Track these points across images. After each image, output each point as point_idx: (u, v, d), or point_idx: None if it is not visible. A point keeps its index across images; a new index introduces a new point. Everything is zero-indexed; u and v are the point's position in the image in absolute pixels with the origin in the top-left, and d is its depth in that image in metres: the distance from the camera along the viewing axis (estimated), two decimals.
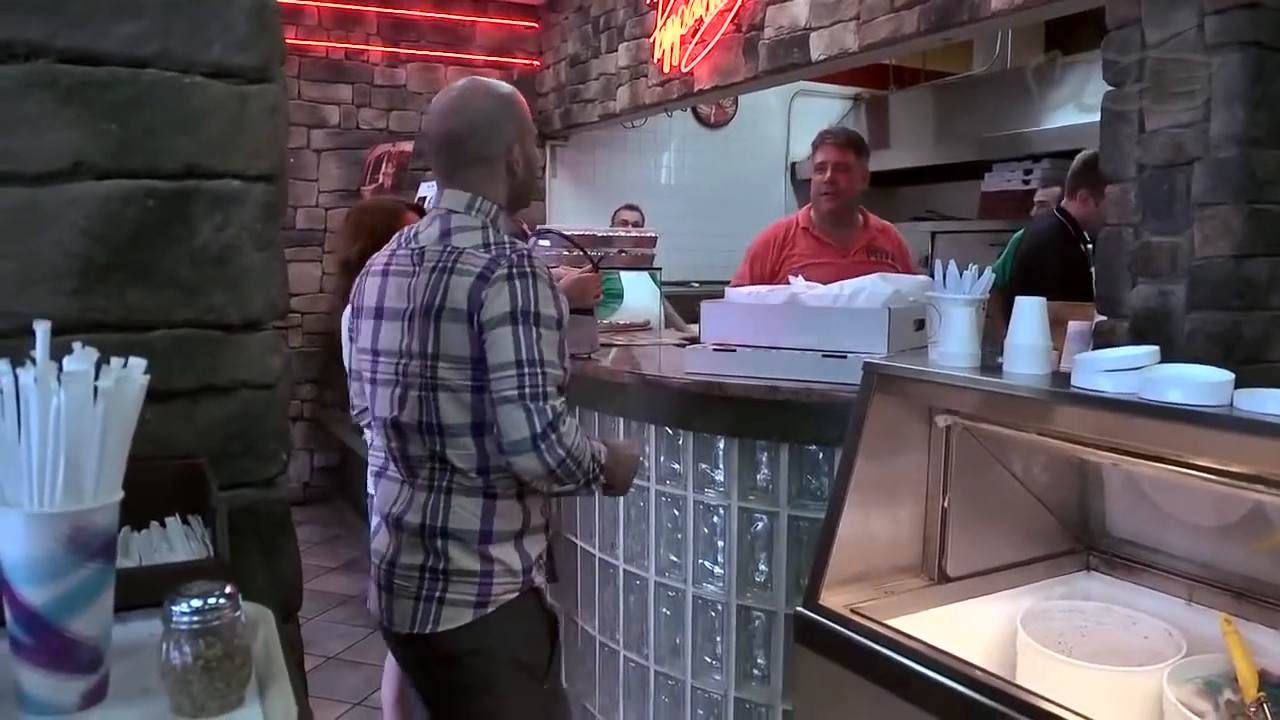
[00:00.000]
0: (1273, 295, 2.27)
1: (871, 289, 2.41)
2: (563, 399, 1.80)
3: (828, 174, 3.44)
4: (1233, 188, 2.21)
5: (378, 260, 1.96)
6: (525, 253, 1.80)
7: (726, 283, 4.88)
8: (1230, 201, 2.22)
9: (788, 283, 3.16)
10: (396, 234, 1.99)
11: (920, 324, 2.28)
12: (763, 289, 2.67)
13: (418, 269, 1.83)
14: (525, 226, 6.05)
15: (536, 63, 6.88)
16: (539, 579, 1.92)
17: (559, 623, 1.99)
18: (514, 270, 1.77)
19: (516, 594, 1.85)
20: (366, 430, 2.09)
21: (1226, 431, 1.41)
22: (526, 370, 1.73)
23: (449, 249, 1.82)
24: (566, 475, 1.78)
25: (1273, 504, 1.54)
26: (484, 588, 1.83)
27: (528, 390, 1.73)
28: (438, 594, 1.82)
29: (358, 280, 2.01)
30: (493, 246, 1.81)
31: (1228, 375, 1.46)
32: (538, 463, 1.74)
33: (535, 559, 1.90)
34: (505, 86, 1.97)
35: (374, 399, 1.91)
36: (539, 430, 1.73)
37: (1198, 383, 1.45)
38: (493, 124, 1.90)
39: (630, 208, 5.95)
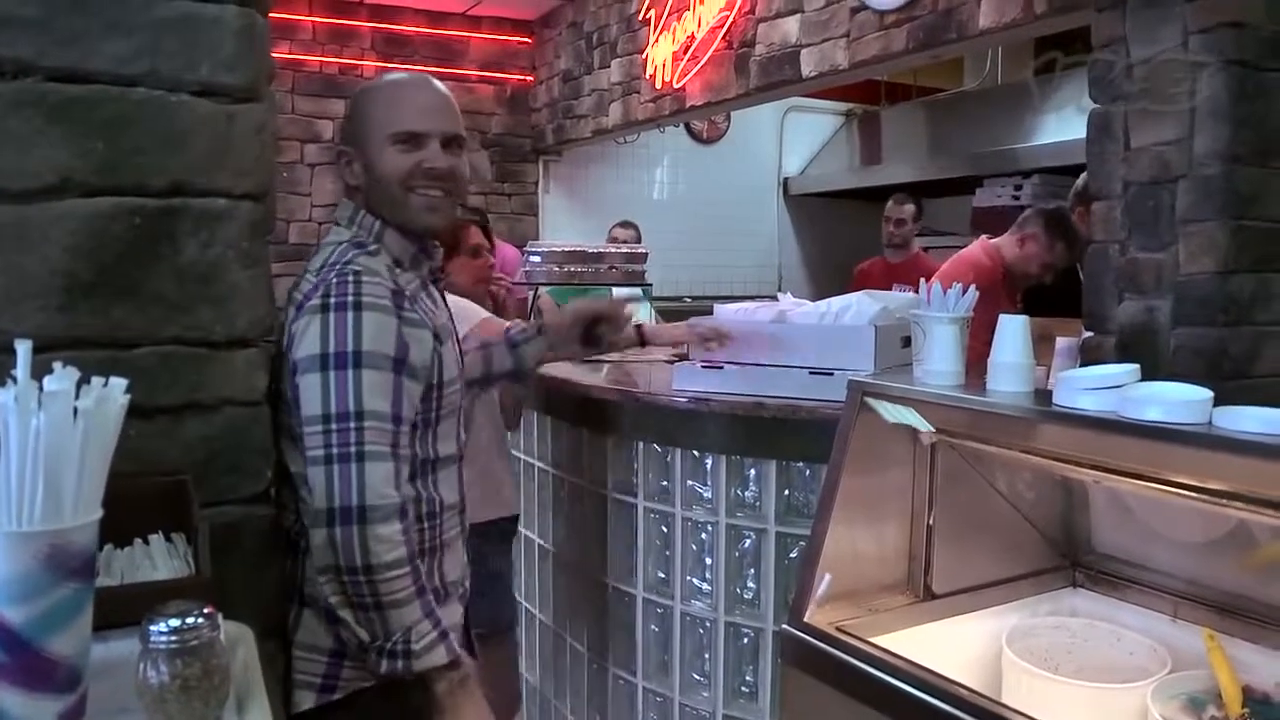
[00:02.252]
0: (1257, 311, 2.29)
1: (859, 306, 2.42)
2: (395, 469, 1.43)
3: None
4: (1217, 204, 2.23)
5: None
6: (352, 274, 1.47)
7: (719, 298, 4.92)
8: (1215, 218, 2.24)
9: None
10: None
11: (907, 340, 2.29)
12: (751, 305, 2.68)
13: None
14: (510, 246, 6.03)
15: (530, 78, 6.90)
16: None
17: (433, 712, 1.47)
18: (330, 299, 1.44)
19: (374, 682, 1.48)
20: None
21: (1204, 449, 1.42)
22: (336, 426, 1.40)
23: (303, 271, 1.57)
24: (355, 593, 1.38)
25: (1254, 520, 1.55)
26: (331, 668, 1.51)
27: (336, 450, 1.39)
28: (282, 669, 1.52)
29: None
30: (325, 268, 1.51)
31: (1206, 393, 1.47)
32: (326, 548, 1.38)
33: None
34: (379, 81, 1.70)
35: None
36: (341, 504, 1.38)
37: (1176, 401, 1.46)
38: (340, 123, 1.67)
39: (625, 225, 5.96)
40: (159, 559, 1.22)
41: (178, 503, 1.29)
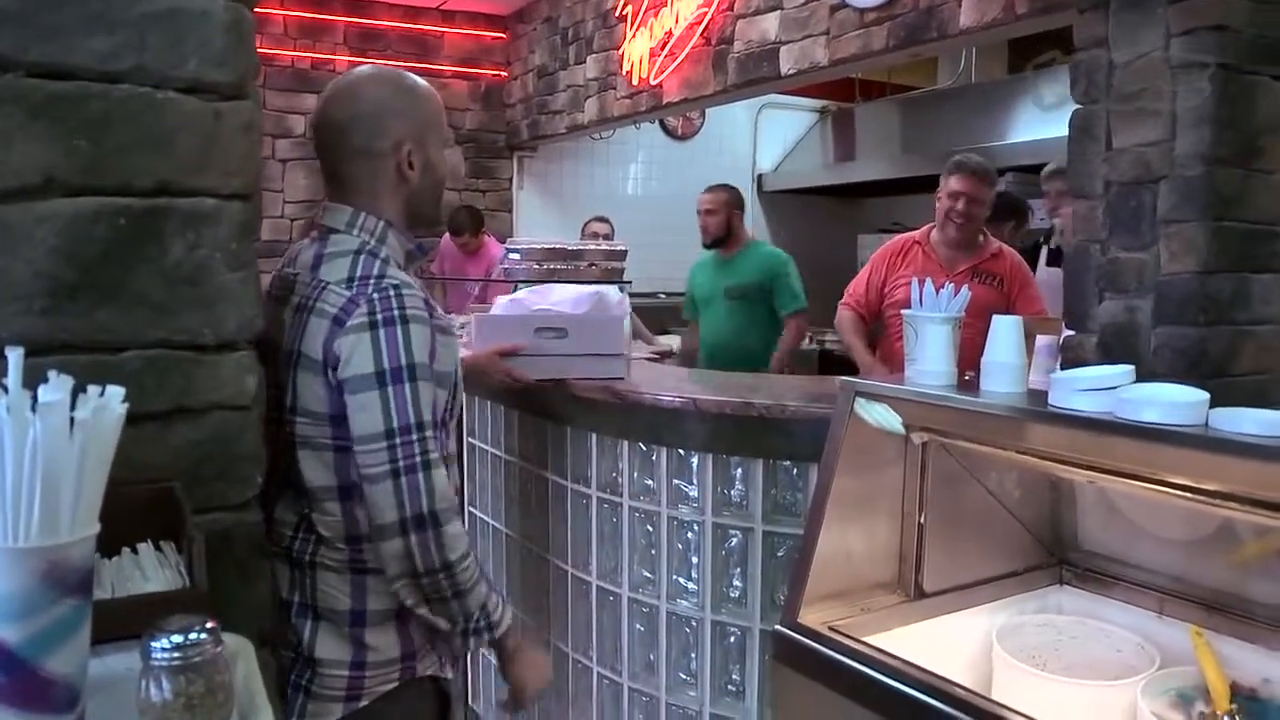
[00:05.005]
0: (1236, 311, 2.31)
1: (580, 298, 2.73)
2: (448, 480, 1.50)
3: (960, 204, 3.54)
4: (1198, 205, 2.25)
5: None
6: (392, 289, 1.48)
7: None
8: (1196, 219, 2.25)
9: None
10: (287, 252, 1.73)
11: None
12: (527, 296, 2.89)
13: (285, 303, 1.56)
14: (491, 237, 6.00)
15: (504, 74, 6.86)
16: (427, 665, 1.60)
17: (451, 702, 1.71)
18: (377, 315, 1.46)
19: (396, 684, 1.57)
20: None
21: (1201, 451, 1.43)
22: (400, 440, 1.43)
23: (315, 282, 1.54)
24: (434, 590, 1.47)
25: (1241, 518, 1.56)
26: (355, 680, 1.54)
27: (402, 463, 1.43)
28: (304, 683, 1.54)
29: None
30: (356, 282, 1.50)
31: (1203, 395, 1.48)
32: (402, 558, 1.44)
33: (426, 642, 1.59)
34: (413, 79, 1.67)
35: None
36: (413, 513, 1.43)
37: (1173, 402, 1.47)
38: (381, 113, 1.59)
39: (600, 220, 5.96)
40: (149, 569, 1.19)
41: (166, 510, 1.26)
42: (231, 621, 1.08)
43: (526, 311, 2.78)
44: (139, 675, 0.85)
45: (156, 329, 1.35)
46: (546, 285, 2.99)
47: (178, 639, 0.84)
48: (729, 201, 4.57)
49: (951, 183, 3.57)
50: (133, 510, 1.23)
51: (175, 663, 0.84)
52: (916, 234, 3.74)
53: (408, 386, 1.44)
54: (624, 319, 2.80)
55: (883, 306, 3.70)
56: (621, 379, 2.66)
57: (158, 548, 1.24)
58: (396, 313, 1.46)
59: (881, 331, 3.79)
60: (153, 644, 0.84)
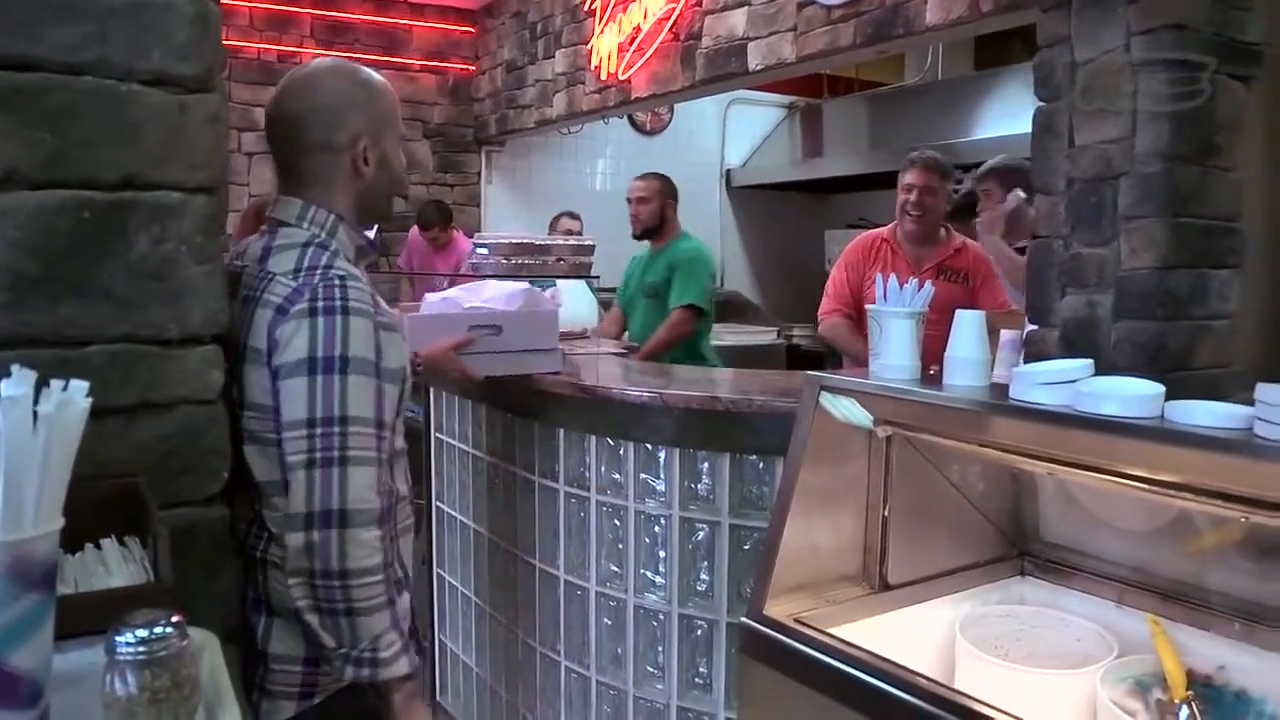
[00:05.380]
0: (1195, 306, 2.34)
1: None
2: (377, 474, 1.43)
3: (914, 196, 3.55)
4: (1158, 202, 2.28)
5: None
6: (338, 280, 1.46)
7: None
8: (1155, 215, 2.28)
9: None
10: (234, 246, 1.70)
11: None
12: (460, 294, 2.90)
13: (233, 297, 1.53)
14: (447, 238, 5.94)
15: (473, 68, 6.84)
16: None
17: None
18: (318, 303, 1.43)
19: (349, 681, 1.49)
20: None
21: (1157, 443, 1.46)
22: (320, 430, 1.38)
23: (263, 274, 1.51)
24: (327, 599, 1.38)
25: (1197, 509, 1.59)
26: (308, 676, 1.51)
27: (319, 454, 1.38)
28: (257, 680, 1.51)
29: None
30: (303, 272, 1.47)
31: (1159, 388, 1.51)
32: (302, 553, 1.37)
33: None
34: (369, 73, 1.65)
35: None
36: (321, 508, 1.37)
37: (1130, 396, 1.50)
38: (339, 106, 1.57)
39: (571, 216, 5.95)
40: (113, 564, 1.18)
41: (131, 505, 1.26)
42: (197, 616, 1.07)
43: (459, 310, 2.76)
44: (104, 670, 0.85)
45: (121, 323, 1.34)
46: (480, 282, 2.98)
47: (143, 633, 0.84)
48: (662, 190, 4.26)
49: (906, 176, 3.59)
50: (97, 505, 1.23)
51: (140, 657, 0.84)
52: (883, 231, 3.74)
53: (338, 378, 1.40)
54: (557, 313, 2.84)
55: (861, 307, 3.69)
56: (558, 373, 2.71)
57: (122, 543, 1.24)
58: (338, 303, 1.43)
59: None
60: (117, 638, 0.84)
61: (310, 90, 1.59)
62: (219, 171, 1.42)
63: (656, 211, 4.23)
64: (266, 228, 1.61)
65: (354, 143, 1.59)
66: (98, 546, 1.22)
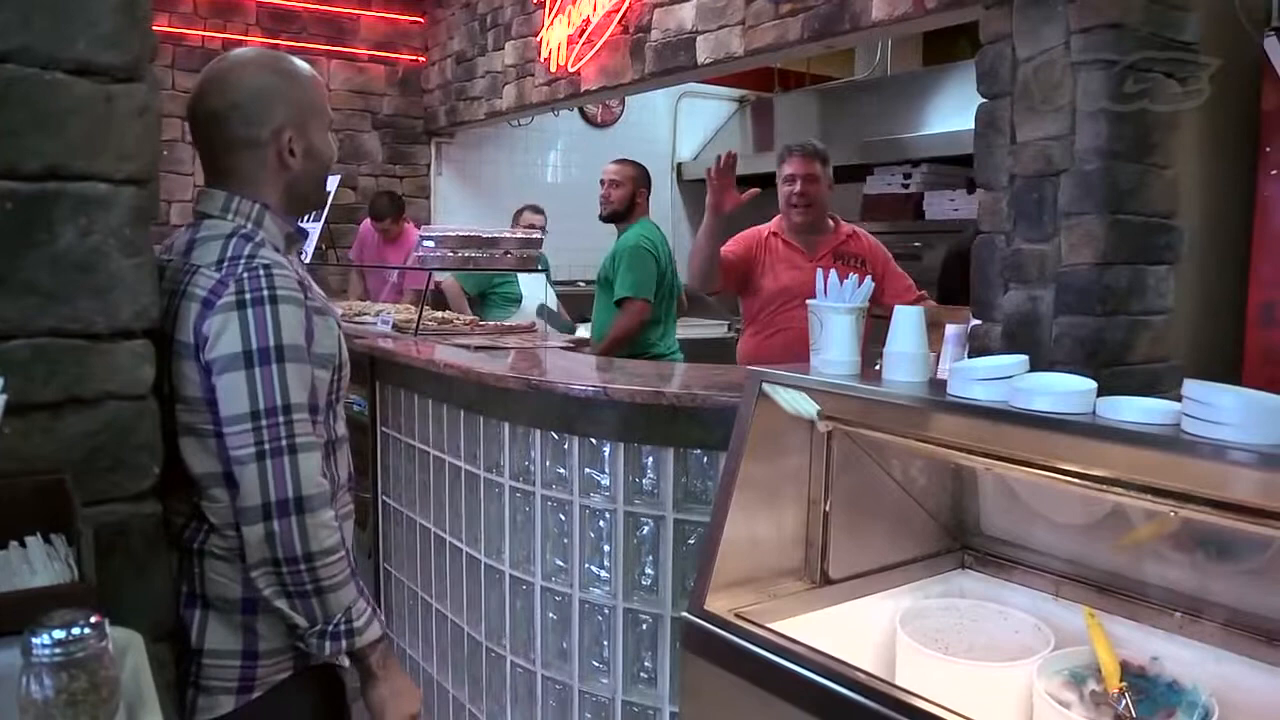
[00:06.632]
0: (1132, 301, 2.38)
1: None
2: (317, 453, 1.45)
3: (797, 186, 3.51)
4: (1097, 199, 2.31)
5: None
6: (262, 269, 1.44)
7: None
8: (1094, 212, 2.32)
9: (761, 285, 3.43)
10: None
11: None
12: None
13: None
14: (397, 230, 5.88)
15: (422, 59, 6.77)
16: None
17: (347, 690, 1.66)
18: (246, 294, 1.42)
19: (290, 673, 1.53)
20: None
21: (1088, 438, 1.48)
22: (266, 422, 1.40)
23: (187, 267, 1.49)
24: (295, 583, 1.41)
25: (1130, 503, 1.62)
26: (246, 670, 1.50)
27: (269, 445, 1.39)
28: (191, 677, 1.49)
29: None
30: (226, 263, 1.46)
31: (1090, 384, 1.53)
32: (263, 543, 1.39)
33: None
34: (292, 61, 1.62)
35: None
36: (277, 498, 1.39)
37: (1063, 392, 1.52)
38: (261, 99, 1.54)
39: (535, 210, 5.90)
40: (38, 563, 1.16)
41: (56, 503, 1.23)
42: (125, 616, 1.06)
43: None
44: (20, 672, 0.83)
45: (46, 317, 1.32)
46: None
47: (59, 634, 0.82)
48: (635, 177, 4.21)
49: (786, 168, 3.55)
50: (21, 503, 1.21)
51: (57, 659, 0.82)
52: (768, 226, 3.65)
53: (275, 368, 1.41)
54: None
55: (758, 302, 3.57)
56: None
57: (48, 541, 1.21)
58: (266, 292, 1.43)
59: (751, 326, 3.63)
60: (34, 640, 0.82)
61: (230, 85, 1.55)
62: (149, 163, 1.40)
63: (627, 197, 4.19)
64: (192, 220, 1.58)
65: (278, 135, 1.56)
66: (23, 545, 1.19)
